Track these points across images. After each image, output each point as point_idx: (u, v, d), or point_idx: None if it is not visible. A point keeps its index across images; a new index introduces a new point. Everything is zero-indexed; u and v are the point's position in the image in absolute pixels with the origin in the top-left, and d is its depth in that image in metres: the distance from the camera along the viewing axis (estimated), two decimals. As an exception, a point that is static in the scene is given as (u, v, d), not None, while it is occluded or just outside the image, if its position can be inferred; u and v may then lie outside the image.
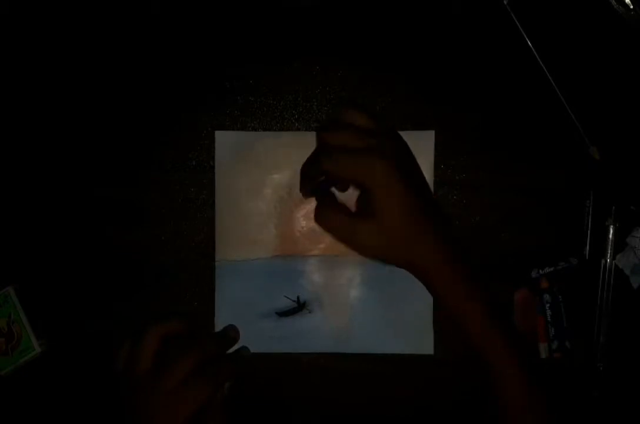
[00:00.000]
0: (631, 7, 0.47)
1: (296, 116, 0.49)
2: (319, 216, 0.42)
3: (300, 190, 0.44)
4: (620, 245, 0.49)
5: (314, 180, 0.43)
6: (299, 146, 0.49)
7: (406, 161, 0.41)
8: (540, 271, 0.49)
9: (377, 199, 0.40)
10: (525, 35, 0.48)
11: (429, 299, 0.47)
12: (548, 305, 0.48)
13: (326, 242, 0.49)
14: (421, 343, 0.48)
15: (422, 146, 0.48)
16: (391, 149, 0.40)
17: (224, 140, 0.49)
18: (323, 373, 0.49)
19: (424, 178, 0.43)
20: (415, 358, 0.49)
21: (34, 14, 0.49)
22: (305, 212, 0.49)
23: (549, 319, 0.48)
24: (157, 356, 0.42)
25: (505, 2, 0.48)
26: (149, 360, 0.42)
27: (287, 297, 0.49)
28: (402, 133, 0.48)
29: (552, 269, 0.49)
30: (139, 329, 0.43)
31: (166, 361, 0.42)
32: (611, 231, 0.48)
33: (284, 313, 0.49)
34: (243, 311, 0.48)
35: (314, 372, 0.49)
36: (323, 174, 0.42)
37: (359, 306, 0.49)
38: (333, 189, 0.43)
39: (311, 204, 0.49)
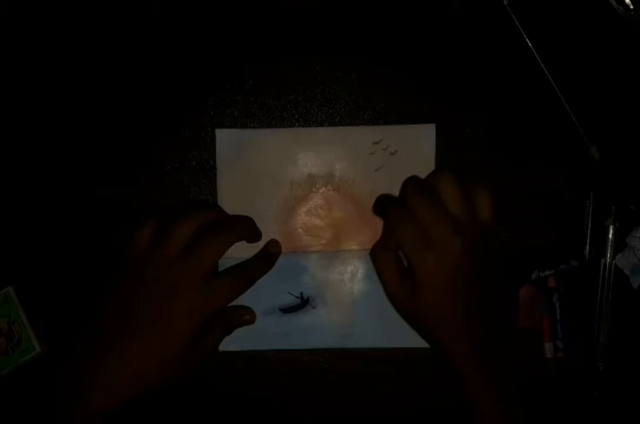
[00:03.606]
0: (631, 7, 0.47)
1: (296, 116, 0.49)
2: (373, 253, 0.45)
3: (372, 208, 0.48)
4: (620, 245, 0.49)
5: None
6: (300, 143, 0.49)
7: (473, 265, 0.42)
8: (541, 274, 0.49)
9: (418, 284, 0.41)
10: (525, 35, 0.48)
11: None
12: (557, 304, 0.48)
13: (328, 238, 0.49)
14: None
15: (423, 140, 0.48)
16: (458, 249, 0.41)
17: (225, 138, 0.49)
18: (323, 372, 0.49)
19: (491, 286, 0.43)
20: (417, 358, 0.49)
21: (34, 14, 0.49)
22: (306, 209, 0.49)
23: (558, 318, 0.48)
24: (187, 244, 0.41)
25: (505, 2, 0.48)
26: (179, 248, 0.41)
27: (291, 294, 0.49)
28: (402, 127, 0.48)
29: (552, 271, 0.49)
30: (169, 213, 0.43)
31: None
32: (611, 231, 0.49)
33: (287, 309, 0.49)
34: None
35: (314, 372, 0.49)
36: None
37: (363, 300, 0.49)
38: None
39: (312, 200, 0.49)
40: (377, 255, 0.44)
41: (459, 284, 0.41)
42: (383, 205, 0.47)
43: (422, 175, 0.48)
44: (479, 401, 0.41)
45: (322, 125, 0.49)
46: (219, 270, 0.45)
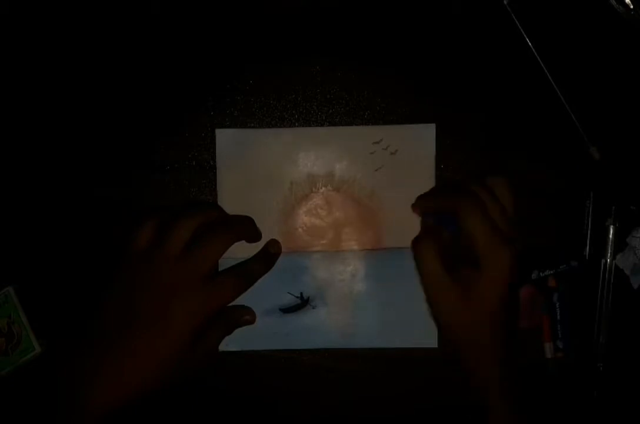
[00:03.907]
0: (631, 7, 0.47)
1: (296, 116, 0.49)
2: (416, 245, 0.43)
3: (416, 203, 0.47)
4: (620, 245, 0.49)
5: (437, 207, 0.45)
6: (300, 143, 0.49)
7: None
8: (541, 274, 0.49)
9: (481, 284, 0.41)
10: (525, 35, 0.48)
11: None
12: (558, 304, 0.48)
13: (328, 238, 0.49)
14: (425, 337, 0.48)
15: (423, 140, 0.48)
16: (516, 253, 0.41)
17: (225, 138, 0.49)
18: (323, 372, 0.49)
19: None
20: (417, 358, 0.49)
21: (34, 14, 0.49)
22: (306, 209, 0.49)
23: (558, 318, 0.48)
24: (186, 244, 0.41)
25: (505, 2, 0.48)
26: (179, 248, 0.41)
27: (291, 294, 0.49)
28: (402, 127, 0.49)
29: (552, 271, 0.49)
30: (169, 213, 0.43)
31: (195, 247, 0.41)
32: (611, 231, 0.49)
33: (287, 309, 0.49)
34: (247, 307, 0.49)
35: (314, 372, 0.49)
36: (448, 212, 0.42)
37: (363, 300, 0.49)
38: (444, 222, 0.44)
39: (312, 200, 0.49)
40: (424, 250, 0.42)
41: (514, 289, 0.42)
42: (446, 196, 0.45)
43: (422, 175, 0.48)
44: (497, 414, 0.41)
45: (322, 125, 0.49)
46: (219, 270, 0.45)
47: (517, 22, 0.48)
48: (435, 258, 0.41)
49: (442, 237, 0.43)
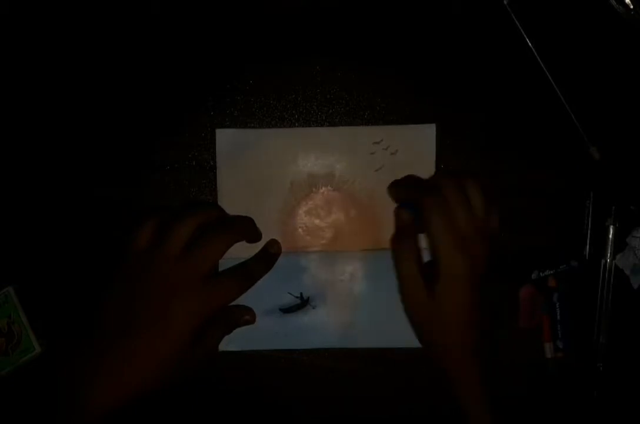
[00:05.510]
0: (631, 7, 0.47)
1: (296, 116, 0.49)
2: (395, 246, 0.42)
3: (388, 190, 0.44)
4: (620, 245, 0.49)
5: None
6: (300, 143, 0.49)
7: (487, 272, 0.41)
8: (541, 274, 0.49)
9: (442, 284, 0.40)
10: (525, 35, 0.48)
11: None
12: (558, 304, 0.48)
13: (328, 238, 0.49)
14: None
15: (423, 140, 0.48)
16: (485, 255, 0.40)
17: (225, 138, 0.49)
18: (323, 372, 0.49)
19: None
20: (417, 358, 0.49)
21: (34, 14, 0.49)
22: (307, 209, 0.49)
23: (558, 318, 0.48)
24: (186, 244, 0.41)
25: (505, 2, 0.48)
26: (179, 248, 0.40)
27: (291, 294, 0.49)
28: (402, 127, 0.48)
29: (552, 271, 0.49)
30: (169, 213, 0.43)
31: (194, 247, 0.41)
32: (611, 231, 0.49)
33: (288, 309, 0.49)
34: (247, 308, 0.49)
35: (314, 372, 0.49)
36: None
37: (362, 300, 0.49)
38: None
39: (312, 200, 0.49)
40: (403, 252, 0.42)
41: (479, 290, 0.41)
42: (413, 189, 0.44)
43: (422, 175, 0.48)
44: (473, 411, 0.41)
45: (322, 125, 0.49)
46: (219, 270, 0.45)
47: (517, 22, 0.48)
48: (411, 260, 0.42)
49: (414, 228, 0.42)
